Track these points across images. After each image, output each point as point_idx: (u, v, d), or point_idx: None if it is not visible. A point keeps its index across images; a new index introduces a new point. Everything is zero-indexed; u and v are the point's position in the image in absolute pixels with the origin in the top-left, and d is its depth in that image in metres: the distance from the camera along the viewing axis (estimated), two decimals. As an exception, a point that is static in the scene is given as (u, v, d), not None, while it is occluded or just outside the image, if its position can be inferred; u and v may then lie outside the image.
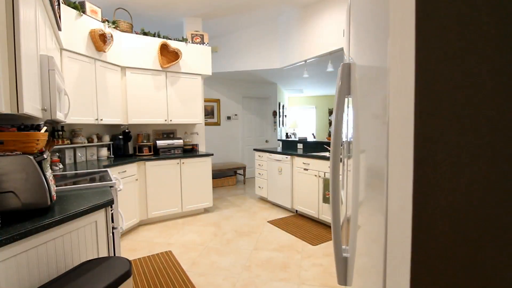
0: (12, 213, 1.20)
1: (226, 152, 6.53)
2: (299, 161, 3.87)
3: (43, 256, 1.14)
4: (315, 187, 3.60)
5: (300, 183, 3.86)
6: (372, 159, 0.78)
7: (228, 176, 6.20)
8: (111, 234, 1.51)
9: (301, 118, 10.11)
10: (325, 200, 3.36)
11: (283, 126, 8.60)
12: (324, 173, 3.44)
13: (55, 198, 1.33)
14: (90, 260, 1.27)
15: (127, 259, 1.27)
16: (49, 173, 1.33)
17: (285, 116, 9.01)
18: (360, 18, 0.89)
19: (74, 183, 1.89)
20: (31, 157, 1.22)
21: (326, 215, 3.46)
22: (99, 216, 1.44)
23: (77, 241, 1.31)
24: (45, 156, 1.27)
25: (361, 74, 0.91)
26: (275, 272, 2.43)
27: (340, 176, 1.46)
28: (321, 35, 4.31)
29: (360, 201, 0.99)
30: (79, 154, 3.31)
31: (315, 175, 3.58)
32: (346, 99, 1.15)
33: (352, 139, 1.10)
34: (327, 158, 3.41)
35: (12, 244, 1.01)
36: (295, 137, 8.97)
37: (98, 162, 3.22)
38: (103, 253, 1.46)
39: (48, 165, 1.42)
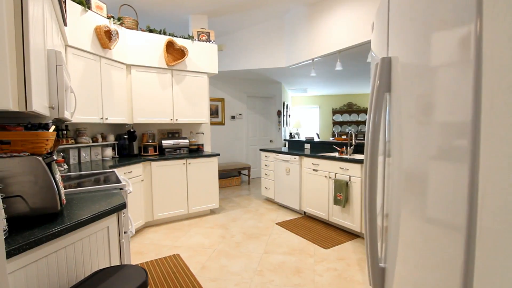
0: (19, 219, 1.11)
1: (230, 152, 6.45)
2: (308, 161, 3.78)
3: (54, 266, 1.06)
4: (325, 189, 3.51)
5: (309, 184, 3.77)
6: (427, 162, 0.69)
7: (232, 177, 6.11)
8: (123, 240, 1.42)
9: (304, 118, 10.02)
10: (336, 202, 3.27)
11: (286, 126, 8.51)
12: (335, 174, 3.35)
13: (64, 202, 1.24)
14: (103, 269, 1.19)
15: (143, 268, 1.19)
16: (58, 176, 1.24)
17: (289, 115, 8.93)
18: (412, 9, 0.80)
19: (82, 185, 1.80)
20: (40, 158, 1.13)
21: (336, 217, 3.37)
22: (111, 221, 1.35)
23: (89, 248, 1.22)
24: (54, 157, 1.19)
25: (409, 69, 0.82)
26: (288, 277, 2.35)
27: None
28: (330, 33, 4.22)
29: (402, 209, 0.90)
30: (84, 154, 3.22)
31: (325, 176, 3.49)
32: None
33: (390, 139, 1.01)
34: (337, 159, 3.32)
35: (21, 254, 0.92)
36: (298, 137, 8.88)
37: (103, 162, 3.13)
38: (115, 260, 1.38)
39: (57, 167, 1.33)
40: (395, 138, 0.94)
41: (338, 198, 3.24)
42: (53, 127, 1.35)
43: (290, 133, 8.80)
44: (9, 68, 1.03)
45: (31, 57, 1.13)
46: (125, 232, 1.61)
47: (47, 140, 1.17)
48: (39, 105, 1.26)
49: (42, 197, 1.13)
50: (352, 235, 3.21)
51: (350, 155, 3.66)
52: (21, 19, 1.11)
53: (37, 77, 1.24)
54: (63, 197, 1.22)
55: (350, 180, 3.16)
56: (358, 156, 3.55)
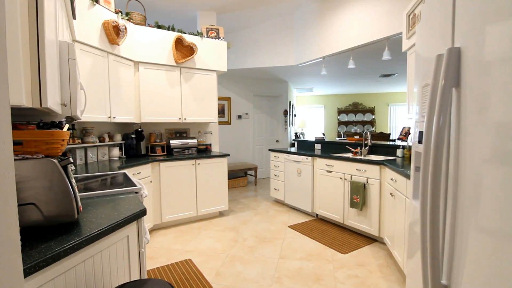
0: (32, 229, 0.99)
1: (236, 152, 6.32)
2: (321, 162, 3.66)
3: (72, 283, 0.93)
4: (339, 191, 3.39)
5: (322, 186, 3.65)
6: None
7: (239, 177, 5.99)
8: (143, 250, 1.30)
9: (309, 118, 9.89)
10: (353, 204, 3.15)
11: (292, 125, 8.39)
12: (351, 175, 3.22)
13: (81, 209, 1.12)
14: (124, 284, 1.06)
15: (169, 284, 1.06)
16: (74, 180, 1.12)
17: (295, 115, 8.80)
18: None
19: (94, 188, 1.68)
20: (56, 160, 1.00)
21: (352, 221, 3.24)
22: (131, 230, 1.23)
23: (108, 261, 1.10)
24: (70, 159, 1.06)
25: (491, 59, 0.70)
26: (308, 285, 2.22)
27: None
28: (342, 30, 4.09)
29: (471, 220, 0.78)
30: (90, 154, 3.10)
31: (340, 178, 3.37)
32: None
33: (458, 140, 0.88)
34: (353, 160, 3.20)
35: (38, 272, 0.80)
36: (303, 137, 8.75)
37: (110, 163, 3.01)
38: (135, 273, 1.25)
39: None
40: (466, 140, 0.82)
41: (355, 200, 3.12)
42: (66, 125, 1.23)
43: (296, 133, 8.68)
44: (22, 61, 0.91)
45: (46, 48, 1.00)
46: (142, 240, 1.49)
47: (63, 140, 1.05)
48: (53, 101, 1.14)
49: (57, 205, 1.00)
50: (369, 239, 3.09)
51: (364, 156, 3.54)
52: (35, 7, 0.98)
53: (50, 71, 1.12)
54: (80, 204, 1.10)
55: (367, 182, 3.03)
56: (373, 157, 3.43)
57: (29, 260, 0.78)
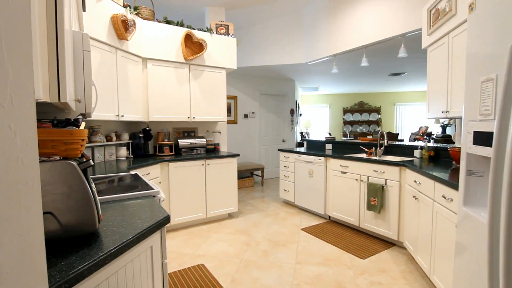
0: (48, 242, 0.87)
1: (243, 152, 6.20)
2: (335, 163, 3.54)
3: (96, 304, 0.82)
4: (355, 193, 3.27)
5: (336, 188, 3.53)
6: None
7: (245, 178, 5.87)
8: (166, 261, 1.18)
9: (314, 117, 9.77)
10: (370, 207, 3.03)
11: (297, 125, 8.27)
12: (368, 177, 3.11)
13: (102, 217, 1.00)
14: (150, 303, 0.95)
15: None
16: (93, 185, 1.00)
17: (300, 115, 8.68)
18: None
19: (107, 191, 1.56)
20: (75, 163, 0.89)
21: (368, 224, 3.13)
22: (155, 239, 1.11)
23: (132, 275, 0.98)
24: (91, 162, 0.94)
25: None
26: (330, 293, 2.11)
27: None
28: (354, 27, 3.97)
29: None
30: (98, 154, 2.98)
31: (356, 179, 3.25)
32: None
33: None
34: (370, 161, 3.08)
35: (60, 296, 0.68)
36: (308, 137, 8.63)
37: (118, 163, 2.89)
38: (158, 286, 1.14)
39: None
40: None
41: (372, 203, 3.00)
42: (83, 123, 1.11)
43: (301, 133, 8.57)
44: (39, 51, 0.79)
45: (66, 36, 0.88)
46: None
47: (82, 140, 0.93)
48: (70, 96, 1.02)
49: (77, 213, 0.89)
50: (387, 243, 2.97)
51: (380, 156, 3.42)
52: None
53: (68, 63, 1.00)
54: (100, 212, 0.98)
55: (386, 184, 2.92)
56: (390, 158, 3.31)
57: (50, 283, 0.67)
